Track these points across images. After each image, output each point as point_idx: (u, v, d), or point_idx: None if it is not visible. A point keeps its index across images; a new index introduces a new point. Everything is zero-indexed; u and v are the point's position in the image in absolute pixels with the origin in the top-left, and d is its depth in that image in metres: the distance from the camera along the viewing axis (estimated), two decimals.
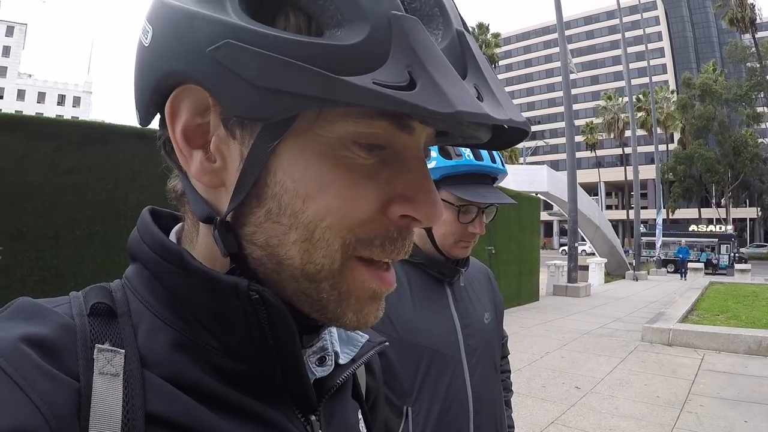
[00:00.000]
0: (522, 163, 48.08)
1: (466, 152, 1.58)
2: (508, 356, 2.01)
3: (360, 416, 0.73)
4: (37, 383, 0.43)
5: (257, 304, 0.51)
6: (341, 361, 0.65)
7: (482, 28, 58.93)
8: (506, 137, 0.56)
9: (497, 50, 61.18)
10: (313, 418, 0.60)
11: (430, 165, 1.58)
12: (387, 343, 0.74)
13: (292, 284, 0.52)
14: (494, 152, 1.61)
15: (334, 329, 0.67)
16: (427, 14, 0.48)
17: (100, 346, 0.48)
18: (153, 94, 0.52)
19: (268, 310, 0.51)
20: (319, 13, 0.45)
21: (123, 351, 0.49)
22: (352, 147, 0.48)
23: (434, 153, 1.59)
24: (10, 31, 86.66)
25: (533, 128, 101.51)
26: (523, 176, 20.04)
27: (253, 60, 0.43)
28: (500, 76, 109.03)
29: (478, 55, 0.48)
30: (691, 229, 42.74)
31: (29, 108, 78.06)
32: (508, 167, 1.70)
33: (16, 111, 55.58)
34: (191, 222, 0.58)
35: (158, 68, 0.50)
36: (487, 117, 0.42)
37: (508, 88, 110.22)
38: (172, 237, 0.61)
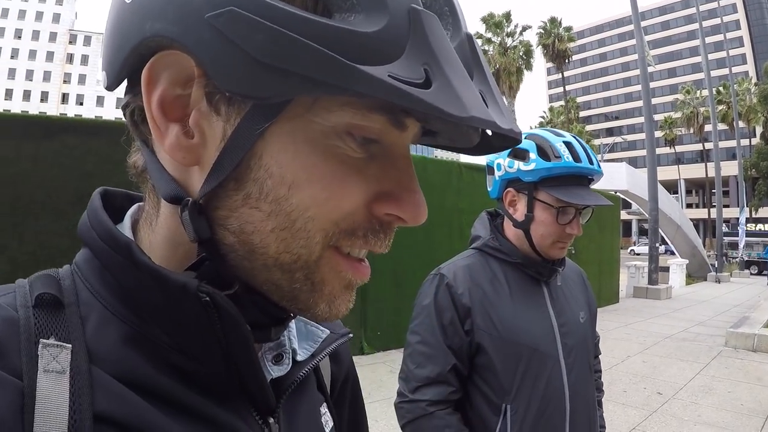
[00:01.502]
0: (600, 161, 46.82)
1: (565, 154, 1.59)
2: (599, 356, 2.00)
3: (325, 409, 0.70)
4: None
5: (207, 307, 0.48)
6: (299, 358, 0.62)
7: (554, 22, 57.64)
8: (489, 144, 0.55)
9: (570, 44, 59.63)
10: (271, 420, 0.57)
11: (529, 166, 1.62)
12: (351, 335, 0.72)
13: (263, 273, 0.50)
14: (590, 153, 1.64)
15: (292, 324, 0.64)
16: (437, 13, 0.46)
17: (44, 341, 0.45)
18: (129, 57, 0.47)
19: (220, 313, 0.48)
20: None
21: (69, 346, 0.46)
22: (345, 138, 0.46)
23: (533, 154, 1.61)
24: (87, 40, 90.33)
25: (611, 124, 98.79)
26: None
27: (259, 33, 0.39)
28: (575, 72, 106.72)
29: (483, 60, 0.47)
30: None
31: (108, 113, 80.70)
32: None
33: (96, 116, 58.06)
34: (152, 203, 0.54)
35: (140, 29, 0.45)
36: (495, 125, 0.42)
37: (583, 84, 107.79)
38: (127, 220, 0.57)
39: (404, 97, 0.38)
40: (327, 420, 0.69)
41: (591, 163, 1.61)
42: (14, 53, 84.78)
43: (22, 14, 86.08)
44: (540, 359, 1.58)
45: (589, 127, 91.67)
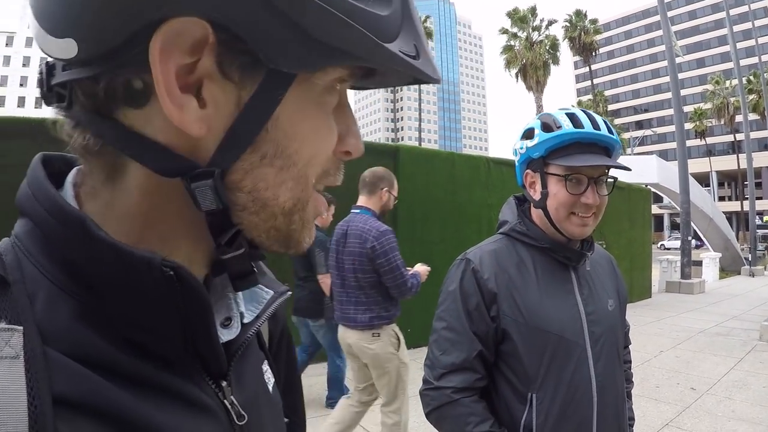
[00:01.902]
0: (630, 154, 46.07)
1: (565, 123, 1.58)
2: (629, 347, 1.96)
3: (266, 367, 0.71)
4: None
5: (171, 281, 0.48)
6: (246, 320, 0.62)
7: (579, 15, 57.01)
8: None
9: (597, 37, 58.90)
10: (224, 383, 0.58)
11: (533, 141, 1.63)
12: (290, 292, 0.72)
13: (268, 222, 0.52)
14: (599, 119, 1.61)
15: None
16: None
17: None
18: (116, 18, 0.42)
19: (183, 286, 0.48)
20: None
21: (21, 328, 0.43)
22: (332, 92, 0.52)
23: (537, 130, 1.62)
24: None
25: (640, 117, 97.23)
26: (632, 167, 19.19)
27: (316, 12, 0.42)
28: (602, 64, 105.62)
29: (415, 13, 0.52)
30: None
31: None
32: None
33: None
34: (100, 177, 0.51)
35: None
36: (429, 77, 0.51)
37: (611, 77, 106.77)
38: (69, 188, 0.53)
39: (411, 69, 0.48)
40: (269, 377, 0.71)
41: (597, 128, 1.58)
42: (26, 61, 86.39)
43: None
44: (566, 347, 1.55)
45: (618, 121, 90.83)
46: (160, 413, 0.48)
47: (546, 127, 1.61)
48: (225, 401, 0.57)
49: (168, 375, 0.51)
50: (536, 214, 1.70)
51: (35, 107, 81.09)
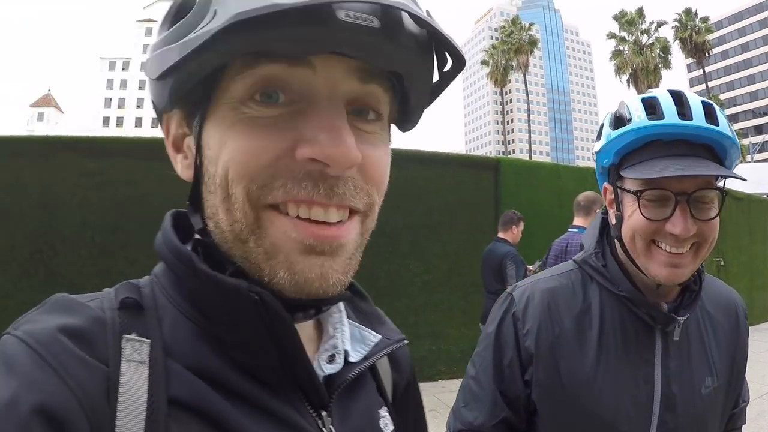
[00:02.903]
0: (749, 162, 42.82)
1: (637, 113, 1.11)
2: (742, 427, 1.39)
3: (385, 413, 0.73)
4: (70, 368, 0.48)
5: (257, 305, 0.54)
6: (352, 359, 0.67)
7: (689, 14, 53.60)
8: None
9: (709, 37, 55.27)
10: (324, 413, 0.62)
11: (599, 144, 1.21)
12: (405, 341, 0.75)
13: (236, 250, 0.57)
14: (695, 104, 1.09)
15: (346, 327, 0.69)
16: None
17: (127, 336, 0.53)
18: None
19: (267, 308, 0.55)
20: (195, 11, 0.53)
21: (148, 341, 0.54)
22: (248, 103, 0.53)
23: (606, 126, 1.19)
24: None
25: (760, 121, 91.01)
26: (751, 176, 17.69)
27: (151, 63, 0.55)
28: (716, 66, 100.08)
29: None
30: None
31: None
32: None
33: None
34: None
35: (152, 101, 0.63)
36: (273, 6, 0.45)
37: (726, 79, 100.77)
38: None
39: (188, 44, 0.49)
40: (387, 423, 0.72)
41: (687, 117, 1.07)
42: (141, 84, 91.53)
43: (145, 48, 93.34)
44: None
45: (735, 126, 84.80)
46: (258, 427, 0.55)
47: (618, 122, 1.15)
48: (324, 429, 0.62)
49: (269, 396, 0.58)
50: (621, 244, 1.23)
51: (152, 127, 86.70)
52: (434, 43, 0.57)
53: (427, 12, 0.53)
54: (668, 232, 1.07)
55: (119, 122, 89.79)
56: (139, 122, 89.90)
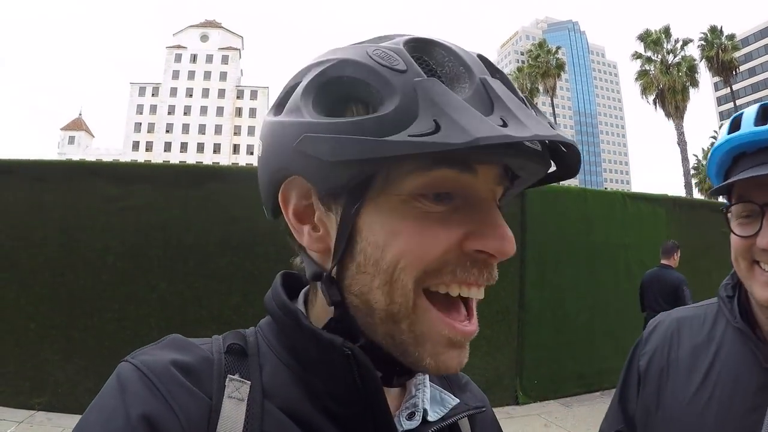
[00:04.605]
0: None
1: (748, 121, 1.05)
2: None
3: None
4: (177, 395, 0.56)
5: (349, 359, 0.59)
6: (430, 418, 0.70)
7: (715, 32, 52.68)
8: (567, 166, 0.64)
9: (736, 54, 54.44)
10: None
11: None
12: (483, 409, 0.79)
13: (381, 327, 0.60)
14: None
15: (427, 388, 0.73)
16: (455, 75, 0.58)
17: (231, 376, 0.60)
18: (269, 189, 0.67)
19: (358, 363, 0.59)
20: (370, 99, 0.57)
21: (249, 383, 0.61)
22: (421, 199, 0.57)
23: (723, 132, 1.11)
24: (254, 95, 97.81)
25: None
26: None
27: (324, 143, 0.55)
28: (743, 84, 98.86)
29: (502, 91, 0.56)
30: None
31: None
32: None
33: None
34: (312, 285, 0.70)
35: (268, 169, 0.66)
36: (506, 137, 0.50)
37: (754, 96, 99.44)
38: (301, 296, 0.72)
39: (418, 146, 0.50)
40: None
41: (763, 123, 1.02)
42: (186, 110, 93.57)
43: (191, 75, 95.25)
44: None
45: None
46: None
47: (734, 128, 1.08)
48: None
49: None
50: None
51: (180, 152, 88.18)
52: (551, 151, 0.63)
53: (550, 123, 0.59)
54: (759, 248, 0.99)
55: (148, 147, 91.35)
56: (168, 147, 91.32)
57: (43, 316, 5.75)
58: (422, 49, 0.60)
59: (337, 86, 0.60)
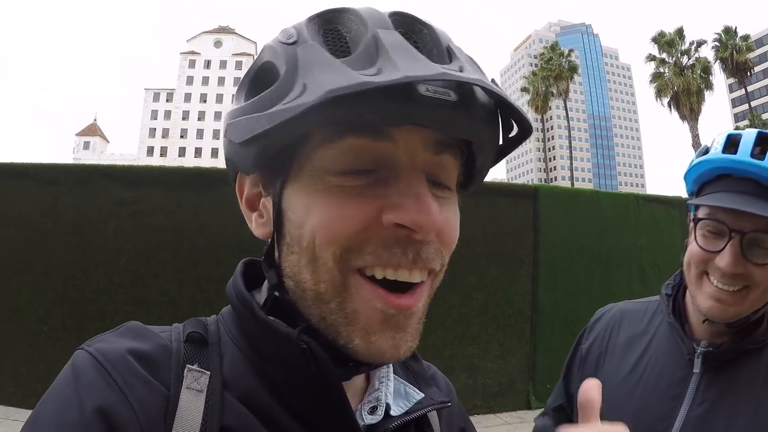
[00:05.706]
0: None
1: (716, 147, 1.15)
2: None
3: None
4: (133, 385, 0.54)
5: (305, 352, 0.58)
6: (393, 413, 0.69)
7: (729, 33, 52.15)
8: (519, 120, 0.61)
9: (750, 55, 53.82)
10: None
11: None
12: (449, 404, 0.77)
13: (314, 309, 0.60)
14: None
15: (391, 382, 0.73)
16: (357, 35, 0.57)
17: (190, 366, 0.59)
18: (233, 186, 0.69)
19: (314, 357, 0.58)
20: (276, 78, 0.57)
21: (208, 373, 0.60)
22: (336, 174, 0.56)
23: (695, 157, 1.22)
24: None
25: None
26: None
27: (233, 127, 0.58)
28: (758, 85, 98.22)
29: (391, 42, 0.54)
30: None
31: None
32: None
33: None
34: None
35: (227, 165, 0.68)
36: (362, 84, 0.48)
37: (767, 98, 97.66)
38: (265, 284, 0.69)
39: (281, 114, 0.51)
40: None
41: (759, 157, 1.06)
42: (201, 115, 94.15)
43: (205, 80, 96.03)
44: None
45: None
46: None
47: (704, 152, 1.19)
48: None
49: None
50: None
51: (195, 157, 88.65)
52: (501, 110, 0.61)
53: (493, 80, 0.57)
54: (716, 265, 1.09)
55: (163, 152, 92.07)
56: (182, 152, 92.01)
57: (55, 318, 5.80)
58: (333, 20, 0.59)
59: (261, 73, 0.61)
